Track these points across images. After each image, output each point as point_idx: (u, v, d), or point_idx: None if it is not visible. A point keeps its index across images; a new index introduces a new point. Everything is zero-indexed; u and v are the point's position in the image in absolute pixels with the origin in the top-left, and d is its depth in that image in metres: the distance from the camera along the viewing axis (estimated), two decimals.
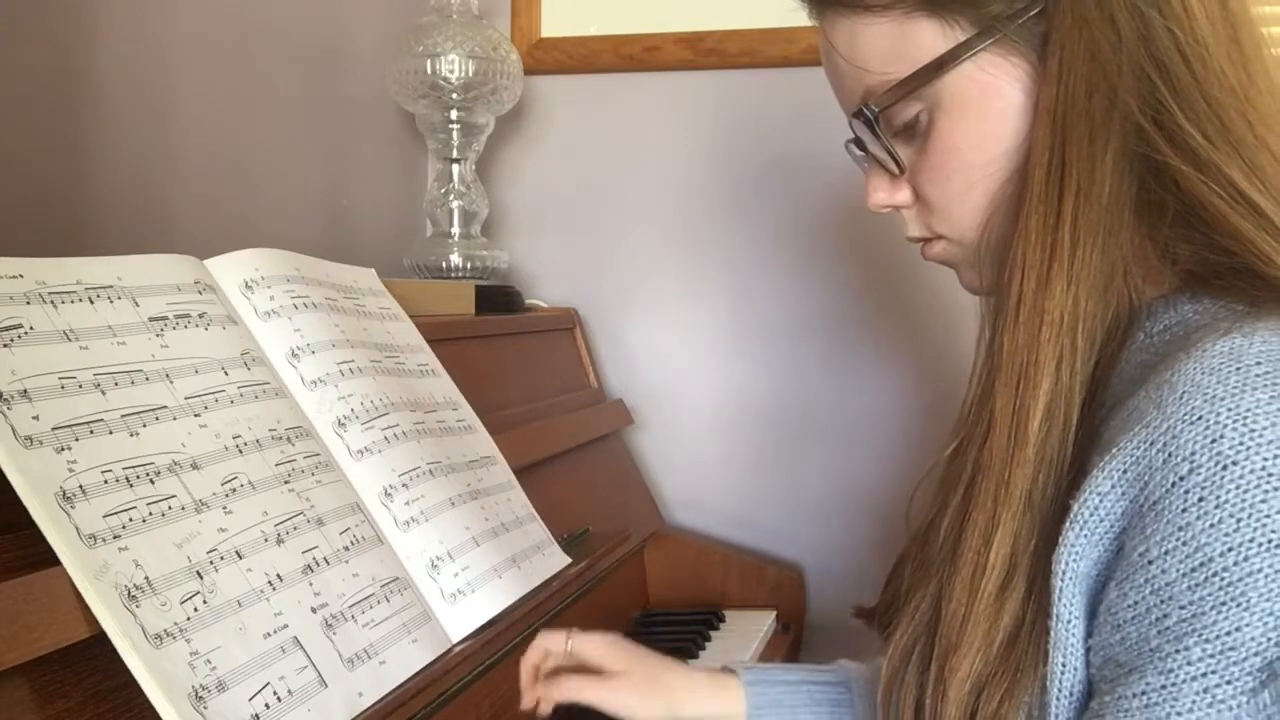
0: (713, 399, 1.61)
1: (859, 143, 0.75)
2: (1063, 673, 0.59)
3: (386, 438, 0.90)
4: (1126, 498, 0.56)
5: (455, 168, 1.51)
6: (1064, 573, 0.58)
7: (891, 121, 0.71)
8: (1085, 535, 0.58)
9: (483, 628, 0.88)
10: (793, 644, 1.44)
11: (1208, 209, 0.61)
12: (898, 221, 0.76)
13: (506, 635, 0.92)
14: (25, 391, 0.63)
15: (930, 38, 0.68)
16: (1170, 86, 0.62)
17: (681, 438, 1.63)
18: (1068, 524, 0.58)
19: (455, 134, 1.49)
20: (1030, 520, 0.62)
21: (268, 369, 0.83)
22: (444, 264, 1.48)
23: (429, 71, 1.43)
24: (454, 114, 1.47)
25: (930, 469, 0.78)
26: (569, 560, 1.05)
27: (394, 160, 1.61)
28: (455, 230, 1.50)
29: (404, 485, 0.89)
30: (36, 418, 0.63)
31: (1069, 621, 0.58)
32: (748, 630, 1.36)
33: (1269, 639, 0.51)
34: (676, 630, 1.33)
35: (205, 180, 1.22)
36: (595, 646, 0.88)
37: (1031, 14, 0.66)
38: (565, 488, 1.26)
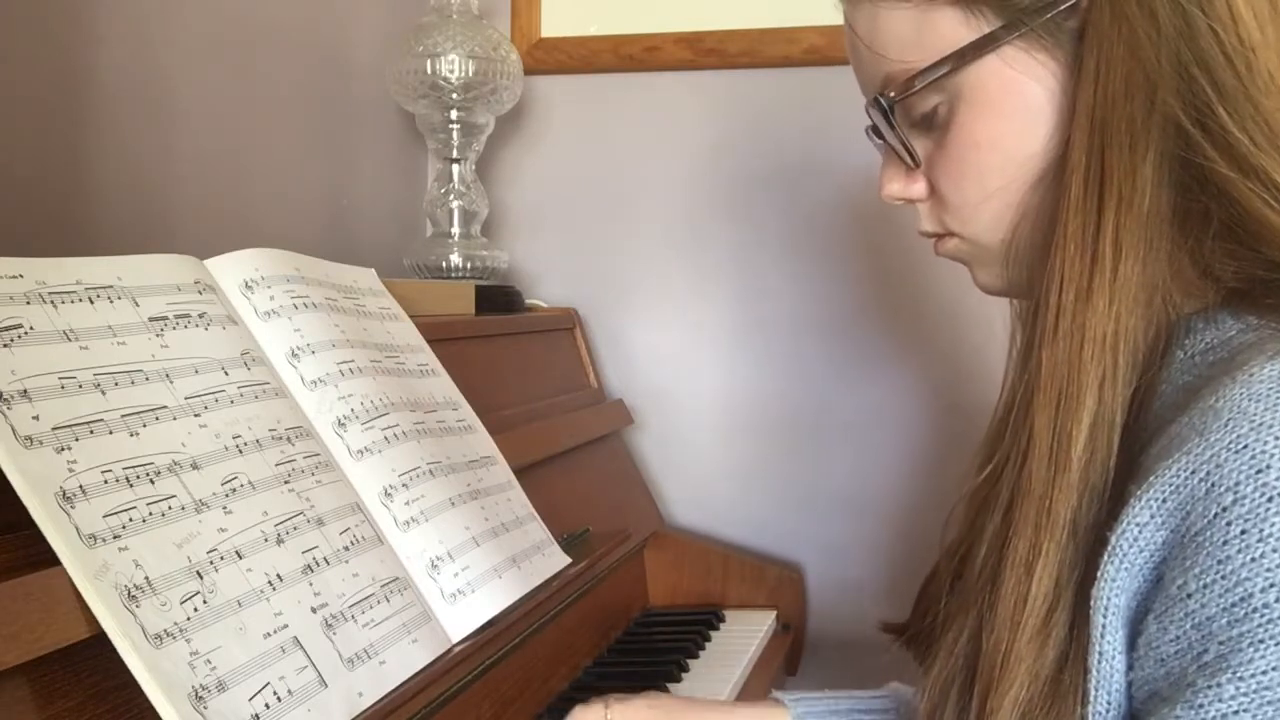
0: (713, 399, 1.61)
1: (877, 131, 0.72)
2: (1107, 710, 0.56)
3: (386, 438, 0.90)
4: (1166, 528, 0.54)
5: (455, 168, 1.51)
6: (1105, 608, 0.56)
7: (909, 112, 0.68)
8: (1125, 568, 0.55)
9: (483, 628, 0.88)
10: (793, 644, 1.44)
11: (1254, 217, 0.58)
12: (910, 218, 0.74)
13: (506, 635, 0.92)
14: (25, 391, 0.63)
15: (953, 28, 0.65)
16: (1215, 87, 0.58)
17: (681, 438, 1.63)
18: (1106, 556, 0.56)
19: (455, 134, 1.49)
20: (1074, 549, 0.59)
21: (268, 369, 0.83)
22: (444, 264, 1.48)
23: (429, 71, 1.43)
24: (454, 114, 1.47)
25: (965, 488, 0.76)
26: (569, 560, 1.05)
27: (394, 160, 1.61)
28: (455, 230, 1.50)
29: (404, 485, 0.89)
30: (36, 418, 0.63)
31: (1112, 657, 0.56)
32: (748, 630, 1.36)
33: None
34: (676, 630, 1.33)
35: (205, 180, 1.22)
36: (635, 711, 0.86)
37: (1062, 8, 0.62)
38: (565, 488, 1.26)
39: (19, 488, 0.60)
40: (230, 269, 0.86)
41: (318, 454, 0.82)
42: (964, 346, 1.51)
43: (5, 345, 0.64)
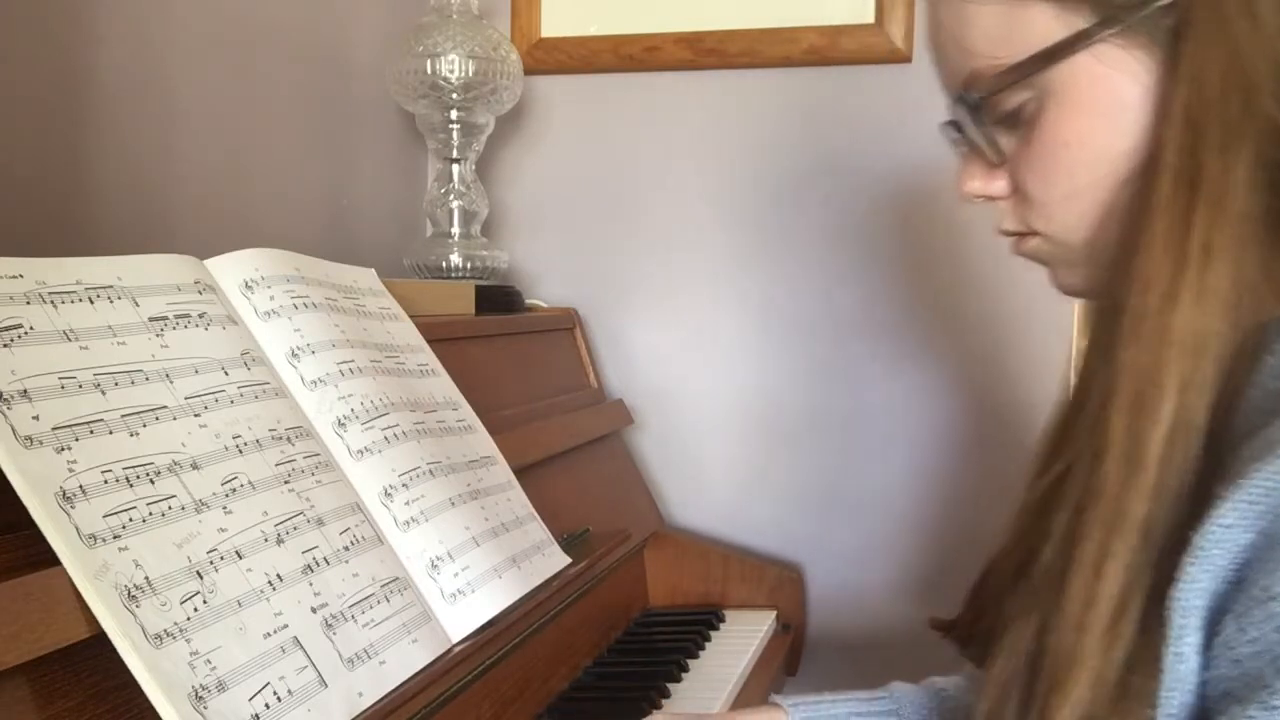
0: (713, 399, 1.61)
1: (956, 126, 0.70)
2: (1180, 712, 0.55)
3: (386, 438, 0.90)
4: (1253, 530, 0.53)
5: (455, 168, 1.51)
6: (1185, 608, 0.55)
7: (996, 108, 0.66)
8: (1207, 570, 0.54)
9: (483, 628, 0.88)
10: (793, 644, 1.44)
11: None
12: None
13: (506, 635, 0.92)
14: (25, 391, 0.63)
15: (1045, 23, 0.63)
16: None
17: (681, 438, 1.63)
18: (1187, 557, 0.55)
19: (455, 134, 1.49)
20: (1146, 552, 0.58)
21: (268, 369, 0.83)
22: (444, 264, 1.48)
23: (429, 71, 1.43)
24: (454, 114, 1.47)
25: (1030, 487, 0.75)
26: (569, 560, 1.05)
27: (394, 160, 1.61)
28: (455, 230, 1.50)
29: (404, 485, 0.89)
30: (36, 418, 0.63)
31: (1189, 659, 0.55)
32: (748, 630, 1.36)
33: None
34: (676, 630, 1.33)
35: (205, 180, 1.22)
36: None
37: (1158, 5, 0.61)
38: (565, 488, 1.26)
39: (19, 488, 0.60)
40: (230, 269, 0.86)
41: (318, 454, 0.82)
42: (965, 348, 1.51)
43: (5, 345, 0.64)
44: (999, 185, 0.70)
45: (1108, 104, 0.63)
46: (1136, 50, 0.62)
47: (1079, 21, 0.63)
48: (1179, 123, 0.60)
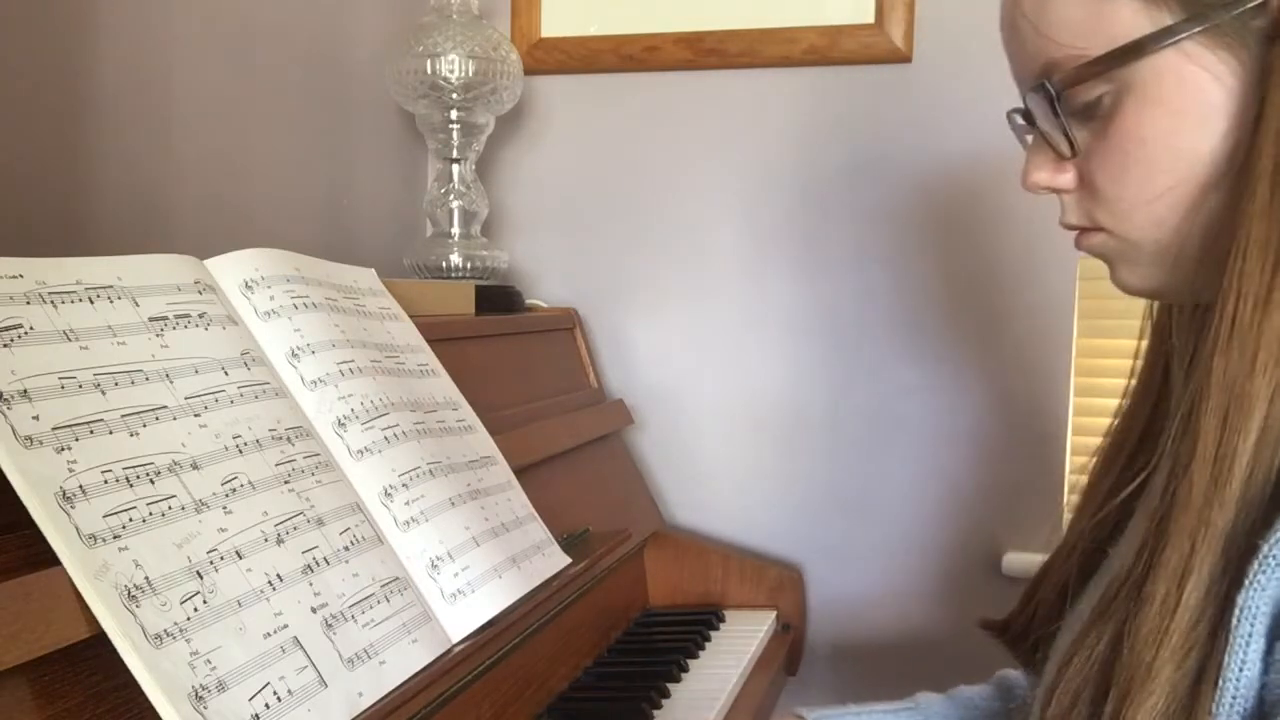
0: (713, 399, 1.61)
1: (1027, 115, 0.69)
2: (1242, 717, 0.56)
3: (386, 438, 0.90)
4: None
5: (455, 168, 1.51)
6: (1252, 615, 0.55)
7: (1071, 100, 0.65)
8: (1276, 578, 0.54)
9: (483, 628, 0.88)
10: (793, 644, 1.44)
11: None
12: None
13: (506, 635, 0.92)
14: (25, 391, 0.63)
15: (1131, 16, 0.62)
16: None
17: (681, 438, 1.63)
18: (1256, 563, 0.55)
19: (455, 134, 1.49)
20: (1225, 562, 0.58)
21: (268, 369, 0.83)
22: (444, 264, 1.48)
23: (429, 71, 1.43)
24: (454, 114, 1.47)
25: (1096, 486, 0.73)
26: (569, 560, 1.05)
27: (394, 160, 1.61)
28: (455, 230, 1.50)
29: (404, 485, 0.89)
30: (36, 418, 0.63)
31: (1253, 665, 0.55)
32: (748, 630, 1.36)
33: None
34: (676, 630, 1.33)
35: (205, 180, 1.22)
36: None
37: (1249, 5, 0.60)
38: (565, 488, 1.26)
39: (19, 488, 0.60)
40: (230, 269, 0.86)
41: (318, 454, 0.82)
42: (965, 347, 1.51)
43: (5, 345, 0.64)
44: (1066, 178, 0.69)
45: (1190, 103, 0.62)
46: (1222, 51, 0.61)
47: (1165, 17, 0.62)
48: (1275, 128, 0.59)
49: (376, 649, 0.76)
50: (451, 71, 1.42)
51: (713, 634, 1.34)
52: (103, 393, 0.68)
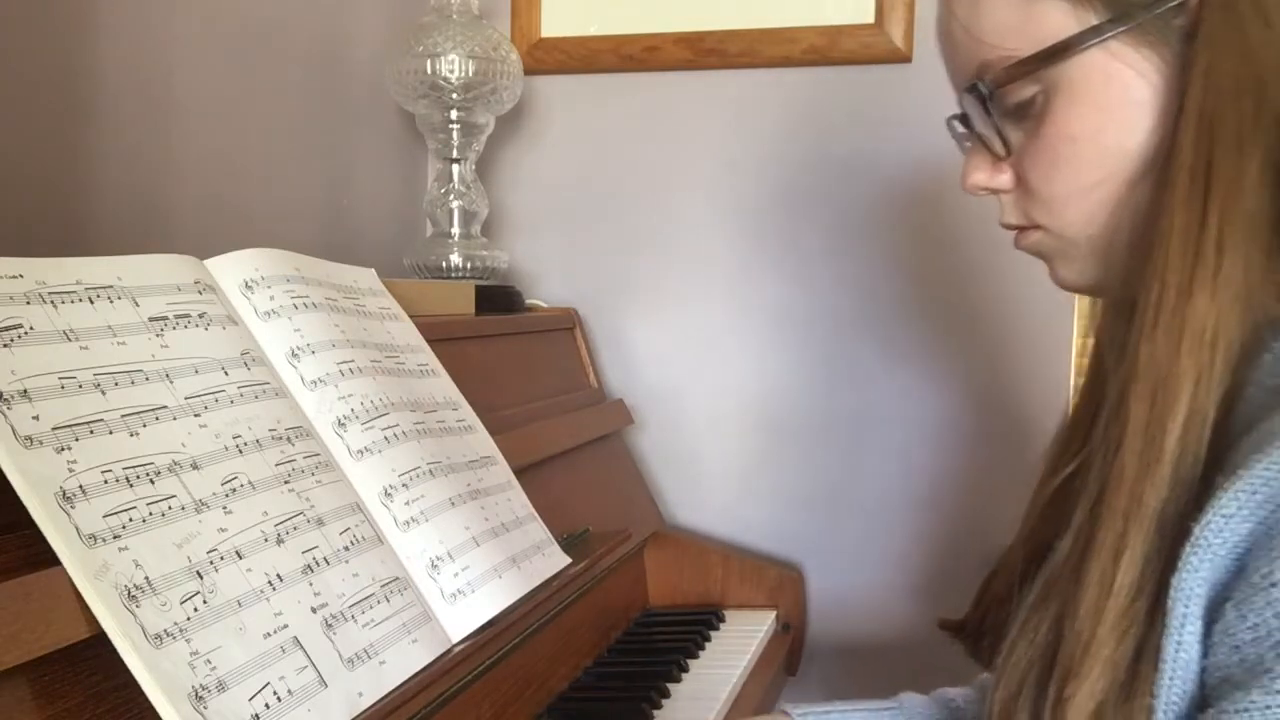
0: (713, 399, 1.61)
1: (964, 119, 0.71)
2: (1182, 698, 0.57)
3: (386, 438, 0.90)
4: (1253, 520, 0.55)
5: (455, 168, 1.51)
6: (1186, 597, 0.56)
7: (1004, 101, 0.67)
8: (1209, 559, 0.56)
9: (483, 628, 0.88)
10: (793, 644, 1.44)
11: None
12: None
13: (506, 635, 0.92)
14: (25, 391, 0.63)
15: (1058, 17, 0.64)
16: None
17: (681, 438, 1.63)
18: (1188, 546, 0.56)
19: (455, 134, 1.49)
20: (1159, 540, 0.59)
21: (268, 369, 0.83)
22: (444, 264, 1.48)
23: (429, 71, 1.43)
24: (454, 114, 1.47)
25: (1045, 484, 0.76)
26: (569, 560, 1.05)
27: (394, 160, 1.61)
28: (455, 230, 1.50)
29: (404, 485, 0.89)
30: (36, 418, 0.63)
31: (1189, 646, 0.56)
32: (748, 630, 1.36)
33: None
34: (676, 630, 1.33)
35: (205, 180, 1.22)
36: None
37: (1170, 4, 0.62)
38: (565, 488, 1.27)
39: (19, 488, 0.60)
40: (230, 269, 0.86)
41: (318, 454, 0.82)
42: (966, 346, 1.51)
43: (5, 345, 0.64)
44: (1004, 178, 0.70)
45: (1117, 100, 0.64)
46: (1146, 49, 0.63)
47: (1091, 17, 0.63)
48: (1194, 121, 0.61)
49: (376, 649, 0.76)
50: (451, 71, 1.42)
51: (713, 634, 1.34)
52: (103, 393, 0.68)
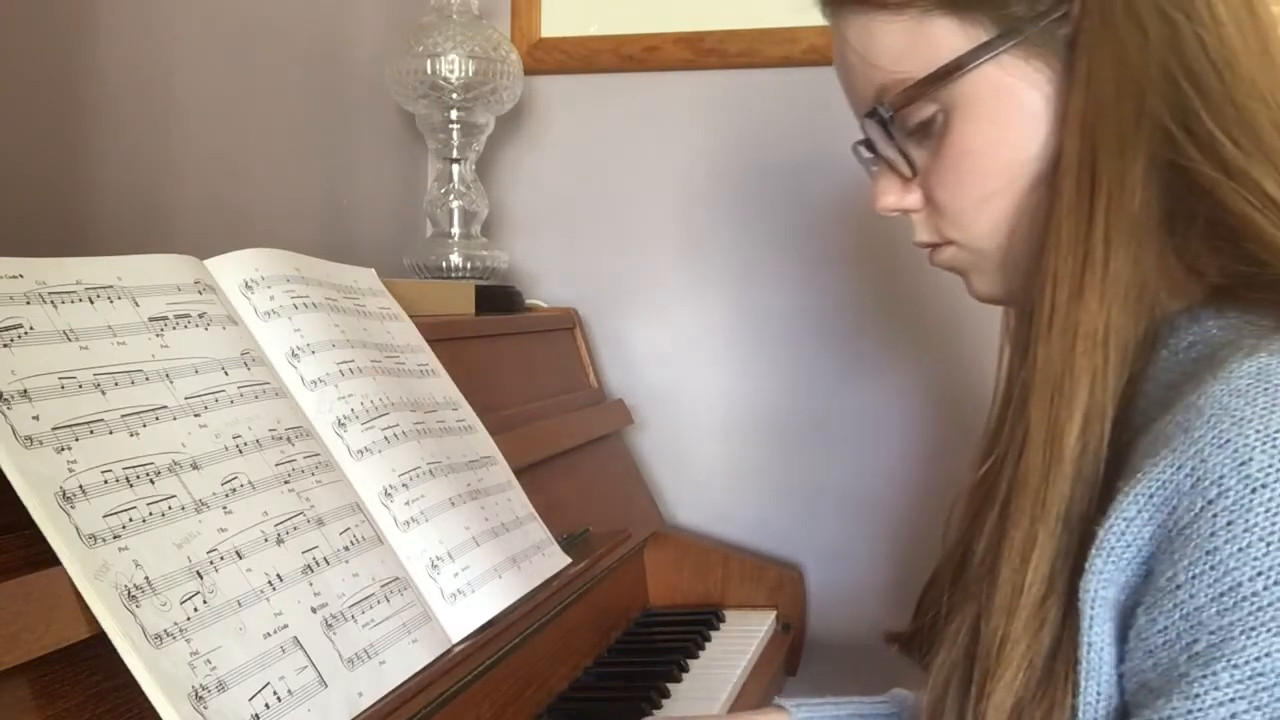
0: (713, 399, 1.61)
1: (868, 144, 0.72)
2: (1097, 700, 0.58)
3: (386, 438, 0.90)
4: (1154, 523, 0.56)
5: (455, 168, 1.51)
6: (1093, 600, 0.57)
7: (905, 122, 0.69)
8: (1113, 562, 0.57)
9: (483, 628, 0.88)
10: (793, 644, 1.44)
11: (1239, 217, 0.60)
12: (905, 226, 0.75)
13: (506, 635, 0.92)
14: (25, 391, 0.63)
15: (949, 37, 0.66)
16: (1200, 92, 0.60)
17: (681, 438, 1.62)
18: (1094, 550, 0.57)
19: (455, 134, 1.49)
20: (1067, 538, 0.61)
21: (268, 369, 0.83)
22: (444, 264, 1.48)
23: (429, 71, 1.43)
24: (454, 114, 1.47)
25: (962, 489, 0.78)
26: (569, 560, 1.05)
27: (394, 160, 1.61)
28: (455, 230, 1.50)
29: (404, 485, 0.89)
30: (36, 418, 0.63)
31: (1100, 649, 0.58)
32: (748, 630, 1.36)
33: None
34: (676, 630, 1.33)
35: (205, 180, 1.22)
36: None
37: (1054, 16, 0.64)
38: (565, 488, 1.26)
39: (19, 488, 0.60)
40: (230, 269, 0.86)
41: (318, 454, 0.82)
42: (965, 347, 1.51)
43: (5, 345, 0.64)
44: (913, 198, 0.72)
45: (1012, 113, 0.66)
46: (1037, 60, 0.65)
47: (981, 34, 0.65)
48: (1076, 128, 0.63)
49: (376, 649, 0.76)
50: (451, 71, 1.42)
51: (713, 634, 1.34)
52: (103, 393, 0.68)
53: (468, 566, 0.90)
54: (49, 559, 0.60)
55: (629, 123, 1.63)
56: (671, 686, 1.14)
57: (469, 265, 1.48)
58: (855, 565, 1.56)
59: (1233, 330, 0.61)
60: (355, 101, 1.50)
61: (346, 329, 0.93)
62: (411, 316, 1.05)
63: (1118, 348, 0.61)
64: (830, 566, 1.57)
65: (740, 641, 1.32)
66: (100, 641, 0.60)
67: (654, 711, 1.07)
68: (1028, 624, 0.61)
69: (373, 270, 1.05)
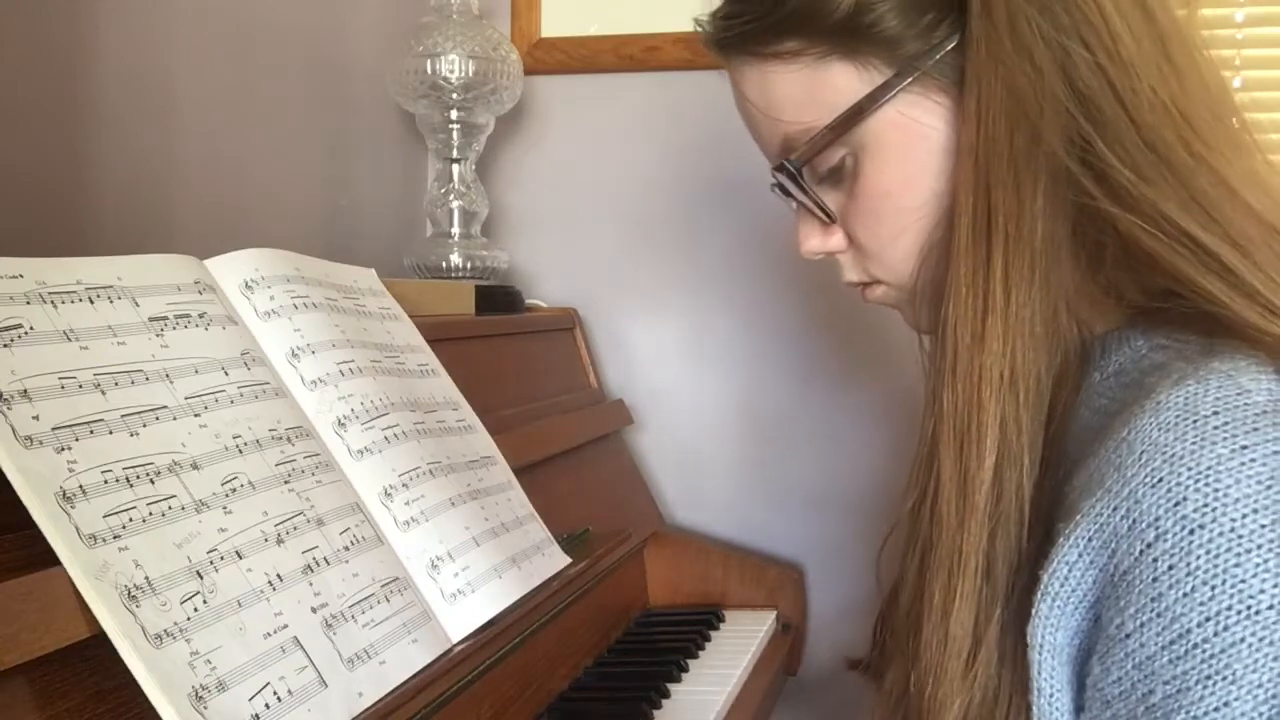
0: (713, 399, 1.61)
1: (785, 190, 0.72)
2: None
3: (386, 438, 0.90)
4: (1095, 566, 0.54)
5: (455, 168, 1.51)
6: (1040, 645, 0.56)
7: (816, 169, 0.68)
8: (1058, 607, 0.56)
9: (483, 628, 0.88)
10: (793, 644, 1.44)
11: (1145, 250, 0.58)
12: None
13: (506, 635, 0.92)
14: (25, 391, 0.63)
15: (846, 82, 0.65)
16: (1095, 121, 0.58)
17: (681, 438, 1.63)
18: (1038, 596, 0.56)
19: (455, 134, 1.49)
20: (990, 588, 0.60)
21: (268, 369, 0.83)
22: (444, 264, 1.48)
23: (429, 71, 1.43)
24: (454, 114, 1.47)
25: (894, 525, 0.77)
26: (569, 560, 1.05)
27: (394, 160, 1.61)
28: (455, 230, 1.50)
29: (404, 485, 0.89)
30: (36, 418, 0.63)
31: (1050, 695, 0.56)
32: (748, 630, 1.36)
33: (1260, 713, 0.49)
34: (676, 630, 1.33)
35: (205, 180, 1.22)
36: None
37: (948, 49, 0.63)
38: (565, 488, 1.26)
39: (19, 488, 0.60)
40: (230, 269, 0.86)
41: (318, 454, 0.82)
42: None
43: (5, 345, 0.64)
44: (836, 241, 0.72)
45: (917, 149, 0.65)
46: (936, 94, 0.64)
47: (877, 76, 0.64)
48: (969, 163, 0.61)
49: (376, 649, 0.76)
50: (451, 71, 1.42)
51: (713, 634, 1.34)
52: (103, 393, 0.68)
53: (468, 566, 0.90)
54: (49, 559, 0.60)
55: (629, 123, 1.63)
56: (671, 686, 1.14)
57: (469, 265, 1.48)
58: (856, 565, 1.55)
59: (1160, 351, 0.60)
60: (355, 101, 1.50)
61: (346, 329, 0.93)
62: (411, 316, 1.05)
63: (1029, 385, 0.60)
64: (830, 566, 1.57)
65: (740, 641, 1.32)
66: (100, 641, 0.60)
67: (654, 712, 1.07)
68: (957, 681, 0.60)
69: (373, 270, 1.05)
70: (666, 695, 1.12)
